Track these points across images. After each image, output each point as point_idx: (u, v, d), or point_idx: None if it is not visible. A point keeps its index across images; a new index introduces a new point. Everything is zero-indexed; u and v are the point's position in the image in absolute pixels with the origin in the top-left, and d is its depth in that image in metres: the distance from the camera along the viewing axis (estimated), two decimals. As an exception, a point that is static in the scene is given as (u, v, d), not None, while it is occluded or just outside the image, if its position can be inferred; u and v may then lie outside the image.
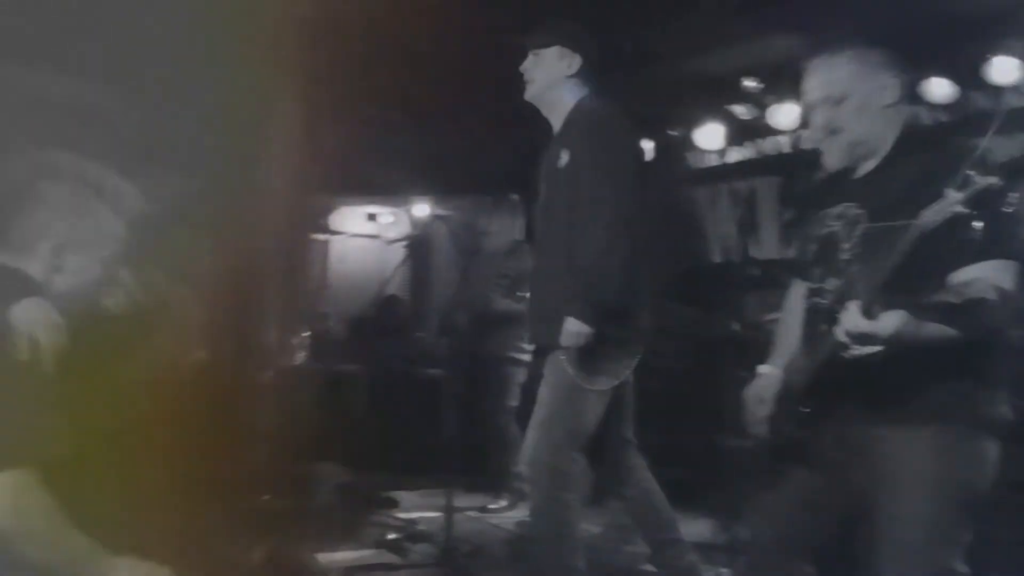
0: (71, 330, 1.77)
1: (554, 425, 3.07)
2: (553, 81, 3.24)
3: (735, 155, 6.26)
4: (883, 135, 2.13)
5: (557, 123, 3.27)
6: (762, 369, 2.31)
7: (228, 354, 5.60)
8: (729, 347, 4.38)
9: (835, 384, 2.05)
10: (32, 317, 1.69)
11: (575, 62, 3.24)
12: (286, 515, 4.70)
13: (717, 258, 6.35)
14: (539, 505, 3.13)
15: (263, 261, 6.26)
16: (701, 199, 6.51)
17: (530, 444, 3.11)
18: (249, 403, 5.41)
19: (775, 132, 5.85)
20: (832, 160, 2.16)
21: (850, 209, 2.12)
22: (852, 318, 1.86)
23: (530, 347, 4.70)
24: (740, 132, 6.06)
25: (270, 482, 5.01)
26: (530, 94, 3.28)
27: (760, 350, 2.43)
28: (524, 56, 3.28)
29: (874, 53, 2.14)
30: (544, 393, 3.14)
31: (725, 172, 6.34)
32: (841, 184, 2.19)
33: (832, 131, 2.12)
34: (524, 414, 3.63)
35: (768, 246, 5.93)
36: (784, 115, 5.51)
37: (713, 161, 6.38)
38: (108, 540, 1.82)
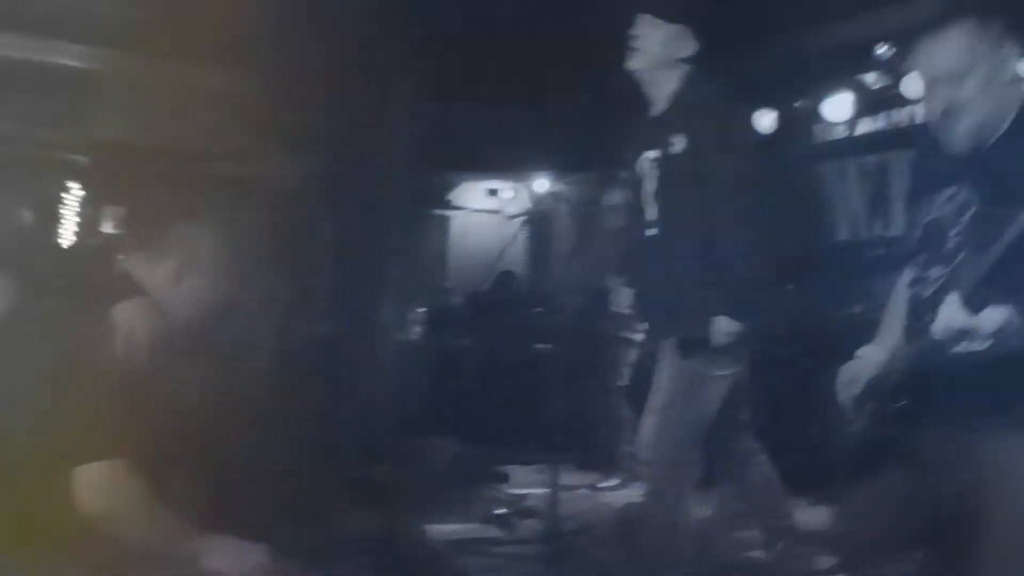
0: (172, 329, 1.84)
1: (675, 411, 3.00)
2: (664, 60, 3.07)
3: (865, 127, 5.97)
4: (1006, 113, 1.95)
5: (659, 103, 3.12)
6: (861, 352, 2.18)
7: (347, 328, 5.76)
8: (850, 330, 4.19)
9: (933, 381, 1.92)
10: (133, 316, 1.76)
11: (691, 46, 3.08)
12: (398, 487, 4.81)
13: (844, 237, 6.10)
14: (654, 490, 3.08)
15: (384, 237, 6.40)
16: (828, 175, 6.26)
17: (649, 428, 3.04)
18: (366, 376, 5.55)
19: (908, 102, 5.55)
20: (956, 145, 1.97)
21: (961, 192, 1.97)
22: (952, 311, 1.74)
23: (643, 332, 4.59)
24: (871, 103, 5.77)
25: (385, 453, 5.13)
26: (635, 64, 3.10)
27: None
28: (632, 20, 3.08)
29: (993, 23, 1.94)
30: (664, 378, 3.04)
31: (854, 146, 6.07)
32: (953, 165, 2.02)
33: (954, 113, 1.94)
34: (634, 394, 3.56)
35: (898, 224, 5.65)
36: (918, 84, 5.21)
37: (841, 134, 6.12)
38: (211, 519, 1.90)
